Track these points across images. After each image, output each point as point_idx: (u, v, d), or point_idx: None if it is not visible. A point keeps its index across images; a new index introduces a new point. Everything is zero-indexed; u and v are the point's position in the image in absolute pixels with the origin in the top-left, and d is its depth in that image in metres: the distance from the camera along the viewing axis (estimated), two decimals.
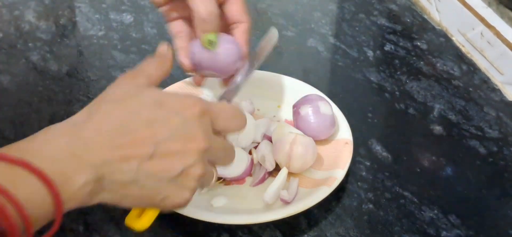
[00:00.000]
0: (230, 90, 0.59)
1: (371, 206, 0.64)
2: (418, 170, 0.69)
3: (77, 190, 0.40)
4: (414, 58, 0.89)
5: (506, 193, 0.67)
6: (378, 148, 0.71)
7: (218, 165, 0.52)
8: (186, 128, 0.45)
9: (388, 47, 0.91)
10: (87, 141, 0.41)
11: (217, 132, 0.49)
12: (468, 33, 0.90)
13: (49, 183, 0.37)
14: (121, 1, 0.97)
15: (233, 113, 0.51)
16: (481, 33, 0.87)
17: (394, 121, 0.78)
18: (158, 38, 0.89)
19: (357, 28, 0.95)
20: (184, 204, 0.47)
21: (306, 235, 0.61)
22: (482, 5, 0.89)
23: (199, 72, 0.61)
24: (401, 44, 0.92)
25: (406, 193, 0.65)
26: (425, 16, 0.98)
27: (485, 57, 0.87)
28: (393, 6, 1.01)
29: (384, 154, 0.71)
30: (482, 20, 0.87)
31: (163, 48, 0.53)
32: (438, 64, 0.87)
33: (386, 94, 0.81)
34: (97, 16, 0.93)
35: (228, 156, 0.52)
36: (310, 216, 0.62)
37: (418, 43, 0.92)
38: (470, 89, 0.83)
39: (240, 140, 0.66)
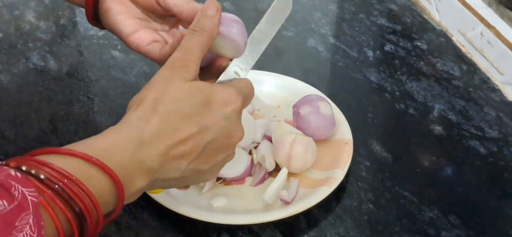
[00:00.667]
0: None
1: (371, 206, 0.64)
2: (418, 170, 0.69)
3: (134, 192, 0.45)
4: (414, 58, 0.89)
5: (506, 193, 0.67)
6: (378, 148, 0.71)
7: None
8: (229, 126, 0.49)
9: (388, 47, 0.91)
10: (148, 148, 0.45)
11: None
12: (468, 33, 0.90)
13: (119, 185, 0.42)
14: None
15: (251, 91, 0.54)
16: (481, 33, 0.87)
17: (394, 121, 0.78)
18: None
19: (357, 28, 0.95)
20: (212, 179, 0.56)
21: (306, 235, 0.61)
22: (482, 5, 0.89)
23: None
24: (401, 44, 0.92)
25: (406, 193, 0.65)
26: (425, 16, 0.98)
27: (485, 57, 0.87)
28: (393, 6, 1.01)
29: (384, 154, 0.71)
30: (482, 20, 0.87)
31: (211, 10, 0.52)
32: (438, 64, 0.87)
33: (386, 94, 0.81)
34: None
35: None
36: (310, 216, 0.62)
37: (418, 43, 0.92)
38: (470, 89, 0.83)
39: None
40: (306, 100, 0.70)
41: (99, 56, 0.85)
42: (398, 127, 0.76)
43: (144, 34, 0.58)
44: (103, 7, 0.59)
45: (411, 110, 0.78)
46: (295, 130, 0.68)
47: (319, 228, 0.61)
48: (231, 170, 0.64)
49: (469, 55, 0.90)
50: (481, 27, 0.87)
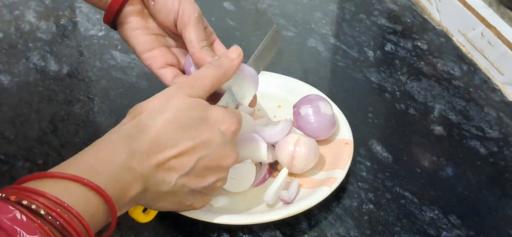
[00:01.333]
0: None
1: (371, 206, 0.64)
2: (419, 170, 0.69)
3: (128, 201, 0.45)
4: (414, 58, 0.88)
5: (506, 193, 0.67)
6: (378, 148, 0.71)
7: None
8: (224, 146, 0.50)
9: (388, 47, 0.91)
10: (140, 155, 0.46)
11: None
12: (469, 33, 0.90)
13: (110, 203, 0.43)
14: None
15: (241, 121, 0.56)
16: (482, 33, 0.87)
17: (395, 121, 0.78)
18: None
19: (357, 28, 0.95)
20: (202, 207, 0.54)
21: (306, 235, 0.61)
22: (482, 5, 0.89)
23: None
24: (401, 44, 0.92)
25: (406, 193, 0.65)
26: (426, 16, 0.98)
27: (485, 57, 0.87)
28: (394, 6, 1.01)
29: (385, 154, 0.71)
30: (483, 20, 0.87)
31: (234, 54, 0.56)
32: (438, 64, 0.87)
33: (387, 94, 0.81)
34: (97, 16, 0.93)
35: None
36: (311, 217, 0.62)
37: (419, 43, 0.92)
38: (471, 89, 0.83)
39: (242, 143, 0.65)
40: (306, 100, 0.70)
41: (99, 56, 0.85)
42: (398, 127, 0.76)
43: (158, 54, 0.61)
44: (123, 18, 0.61)
45: (411, 110, 0.78)
46: (298, 132, 0.68)
47: (319, 228, 0.61)
48: (239, 185, 0.63)
49: (469, 55, 0.89)
50: (482, 27, 0.87)
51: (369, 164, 0.69)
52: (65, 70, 0.83)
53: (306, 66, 0.87)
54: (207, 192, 0.52)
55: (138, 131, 0.47)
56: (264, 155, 0.64)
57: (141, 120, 0.48)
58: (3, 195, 0.40)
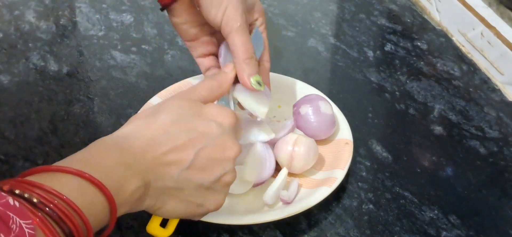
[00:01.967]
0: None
1: (371, 206, 0.64)
2: (418, 170, 0.69)
3: (128, 196, 0.45)
4: (414, 58, 0.89)
5: (506, 193, 0.67)
6: (378, 148, 0.71)
7: None
8: (223, 137, 0.50)
9: (388, 47, 0.91)
10: (135, 152, 0.46)
11: None
12: (468, 33, 0.90)
13: (107, 194, 0.42)
14: (121, 1, 0.97)
15: (239, 123, 0.57)
16: (481, 33, 0.87)
17: (394, 121, 0.78)
18: (158, 38, 0.89)
19: (357, 28, 0.95)
20: (218, 209, 0.53)
21: (306, 235, 0.61)
22: (482, 5, 0.89)
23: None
24: (401, 44, 0.92)
25: (406, 193, 0.65)
26: (425, 16, 0.98)
27: (485, 57, 0.87)
28: (393, 6, 1.01)
29: (384, 154, 0.71)
30: (482, 20, 0.87)
31: (228, 68, 0.59)
32: (438, 64, 0.87)
33: (386, 94, 0.81)
34: (97, 16, 0.93)
35: None
36: (310, 216, 0.62)
37: (418, 43, 0.92)
38: (470, 89, 0.83)
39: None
40: (306, 100, 0.70)
41: (99, 56, 0.85)
42: (398, 127, 0.76)
43: (198, 45, 0.65)
44: (173, 10, 0.62)
45: (411, 110, 0.78)
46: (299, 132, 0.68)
47: (319, 228, 0.61)
48: (239, 186, 0.63)
49: (469, 55, 0.89)
50: (481, 27, 0.87)
51: (369, 164, 0.69)
52: (65, 70, 0.83)
53: (306, 66, 0.87)
54: (217, 188, 0.51)
55: (133, 132, 0.47)
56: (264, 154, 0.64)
57: (136, 124, 0.49)
58: None
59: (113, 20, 0.93)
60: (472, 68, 0.87)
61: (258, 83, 0.59)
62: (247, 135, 0.64)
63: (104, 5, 0.96)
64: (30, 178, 0.40)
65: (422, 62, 0.88)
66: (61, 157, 0.44)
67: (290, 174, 0.65)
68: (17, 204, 0.37)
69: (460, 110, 0.78)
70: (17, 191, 0.39)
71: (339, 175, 0.63)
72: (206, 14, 0.60)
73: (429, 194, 0.66)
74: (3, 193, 0.37)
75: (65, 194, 0.40)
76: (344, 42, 0.92)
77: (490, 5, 0.89)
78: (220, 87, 0.56)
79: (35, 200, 0.38)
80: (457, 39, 0.93)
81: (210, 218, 0.58)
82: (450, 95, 0.81)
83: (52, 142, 0.70)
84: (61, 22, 0.93)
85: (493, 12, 0.88)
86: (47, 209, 0.39)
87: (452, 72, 0.86)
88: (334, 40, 0.92)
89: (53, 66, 0.83)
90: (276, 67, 0.82)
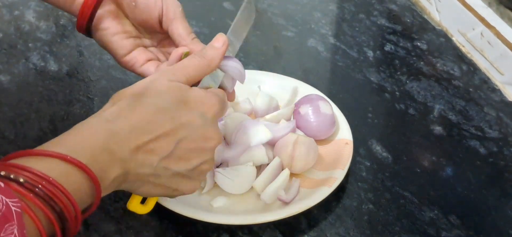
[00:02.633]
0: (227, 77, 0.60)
1: (371, 206, 0.64)
2: (418, 170, 0.69)
3: (111, 182, 0.45)
4: (414, 58, 0.89)
5: (506, 193, 0.67)
6: (378, 148, 0.71)
7: None
8: (205, 128, 0.50)
9: (388, 47, 0.91)
10: (119, 138, 0.45)
11: None
12: (468, 33, 0.90)
13: (94, 178, 0.42)
14: None
15: (226, 101, 0.55)
16: (481, 33, 0.87)
17: (394, 121, 0.78)
18: None
19: (357, 28, 0.95)
20: (193, 193, 0.53)
21: (306, 235, 0.61)
22: (482, 5, 0.89)
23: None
24: (401, 44, 0.92)
25: (406, 193, 0.65)
26: (425, 16, 0.98)
27: (485, 57, 0.87)
28: (393, 6, 1.01)
29: (384, 154, 0.71)
30: (482, 20, 0.87)
31: (218, 43, 0.55)
32: (438, 64, 0.87)
33: (386, 94, 0.81)
34: None
35: None
36: (310, 216, 0.62)
37: (418, 43, 0.92)
38: (470, 89, 0.83)
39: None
40: (306, 99, 0.70)
41: (99, 56, 0.85)
42: (398, 127, 0.76)
43: (138, 54, 0.61)
44: (99, 24, 0.60)
45: (411, 110, 0.78)
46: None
47: (319, 228, 0.61)
48: (239, 187, 0.63)
49: (469, 55, 0.90)
50: (481, 27, 0.87)
51: (368, 164, 0.69)
52: (64, 70, 0.83)
53: (306, 66, 0.87)
54: (194, 176, 0.51)
55: (118, 116, 0.47)
56: (264, 157, 0.64)
57: (121, 106, 0.48)
58: None
59: None
60: (472, 68, 0.87)
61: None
62: (245, 137, 0.64)
63: None
64: (15, 161, 0.40)
65: (422, 62, 0.88)
66: None
67: (291, 174, 0.65)
68: (2, 184, 0.37)
69: (460, 110, 0.78)
70: (2, 173, 0.39)
71: (339, 175, 0.63)
72: (143, 7, 0.59)
73: (429, 194, 0.66)
74: None
75: (53, 177, 0.40)
76: (344, 42, 0.92)
77: (490, 5, 0.89)
78: (209, 66, 0.54)
79: (21, 180, 0.39)
80: (457, 39, 0.93)
81: (210, 218, 0.59)
82: (450, 95, 0.81)
83: None
84: (61, 22, 0.92)
85: (493, 12, 0.88)
86: (36, 189, 0.39)
87: (452, 72, 0.86)
88: (334, 40, 0.92)
89: (53, 66, 0.83)
90: (276, 67, 0.82)
